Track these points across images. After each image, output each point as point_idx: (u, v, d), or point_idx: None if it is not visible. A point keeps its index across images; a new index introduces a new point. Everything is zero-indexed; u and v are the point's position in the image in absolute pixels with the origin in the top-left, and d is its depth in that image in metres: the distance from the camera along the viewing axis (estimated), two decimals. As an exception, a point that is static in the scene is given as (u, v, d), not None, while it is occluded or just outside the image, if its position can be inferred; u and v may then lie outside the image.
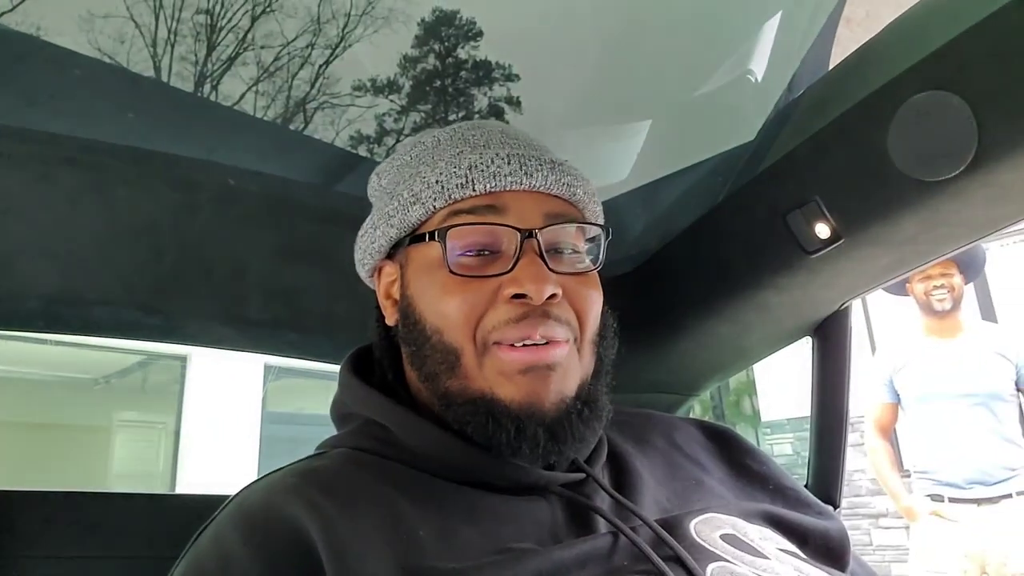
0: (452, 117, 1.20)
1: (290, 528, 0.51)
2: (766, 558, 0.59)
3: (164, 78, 0.97)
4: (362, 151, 1.12)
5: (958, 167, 0.73)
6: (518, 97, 1.15)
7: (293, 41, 1.01)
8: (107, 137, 0.89)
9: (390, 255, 0.69)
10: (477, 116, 1.16)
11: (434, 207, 0.63)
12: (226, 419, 6.22)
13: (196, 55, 0.97)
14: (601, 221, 0.71)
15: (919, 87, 0.75)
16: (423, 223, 0.64)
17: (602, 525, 0.59)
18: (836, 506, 1.09)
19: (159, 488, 6.56)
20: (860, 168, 0.83)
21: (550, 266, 0.60)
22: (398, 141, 1.12)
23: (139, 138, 0.91)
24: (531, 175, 0.63)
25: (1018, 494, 2.38)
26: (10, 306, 0.87)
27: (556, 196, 0.65)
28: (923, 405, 2.54)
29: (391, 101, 1.12)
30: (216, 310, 0.96)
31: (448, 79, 1.16)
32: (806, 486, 1.12)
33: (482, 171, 0.62)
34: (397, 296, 0.67)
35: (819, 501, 0.74)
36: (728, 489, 0.71)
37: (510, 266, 0.59)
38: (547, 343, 0.59)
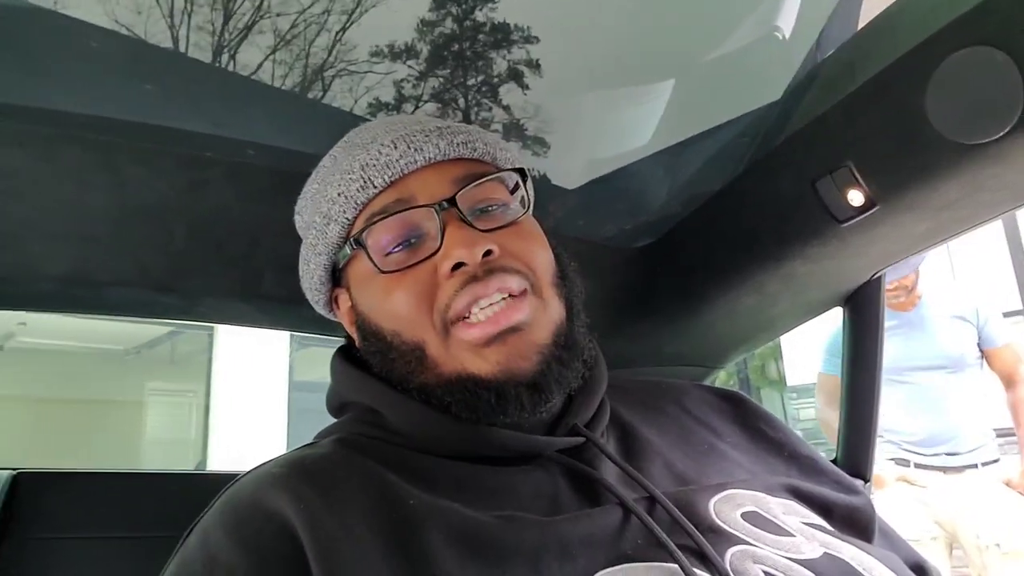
0: (471, 82, 1.17)
1: (276, 523, 0.50)
2: (790, 535, 0.56)
3: (182, 48, 0.95)
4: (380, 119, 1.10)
5: (1002, 129, 0.68)
6: (537, 60, 1.11)
7: (310, 7, 0.98)
8: (115, 113, 0.87)
9: (337, 282, 0.68)
10: (496, 80, 1.13)
11: (347, 219, 0.62)
12: (254, 388, 6.33)
13: (213, 24, 0.95)
14: (516, 164, 0.69)
15: (960, 43, 0.70)
16: (344, 240, 0.63)
17: (610, 497, 0.57)
18: (866, 480, 1.06)
19: (192, 454, 6.73)
20: (896, 131, 0.78)
21: (478, 227, 0.59)
22: (417, 107, 1.09)
23: (148, 113, 0.89)
24: (421, 149, 0.61)
25: (983, 465, 2.34)
26: (23, 288, 0.86)
27: (458, 160, 0.63)
28: (888, 376, 2.45)
29: (409, 67, 1.09)
30: (232, 287, 0.95)
31: (466, 43, 1.12)
32: (835, 460, 1.09)
33: (374, 166, 0.61)
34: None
35: (836, 469, 0.71)
36: (743, 454, 0.68)
37: (438, 243, 0.58)
38: (504, 299, 0.57)
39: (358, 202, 0.61)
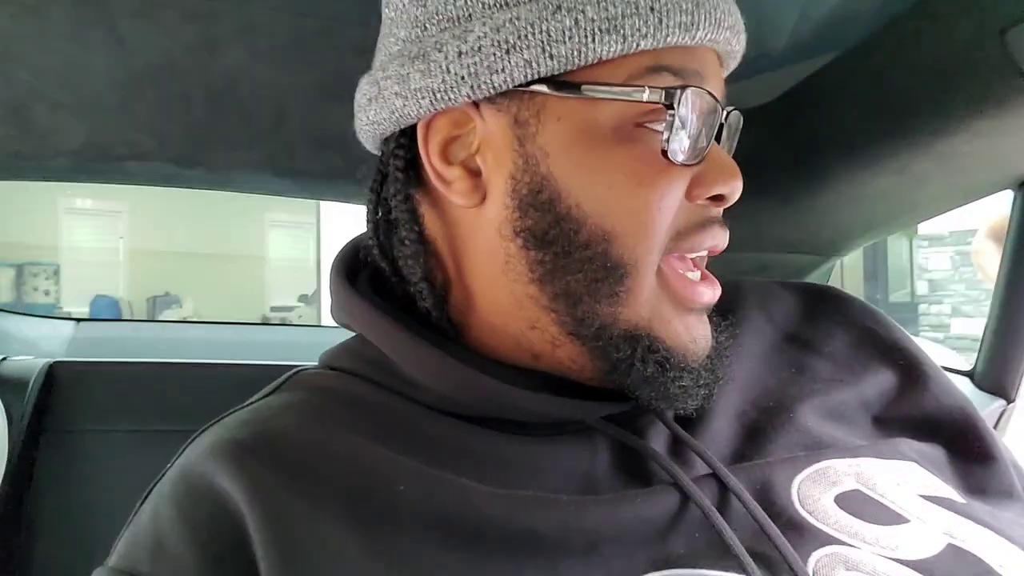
0: None
1: (228, 514, 0.38)
2: (903, 520, 0.43)
3: None
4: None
5: None
6: None
7: None
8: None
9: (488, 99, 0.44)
10: None
11: (635, 46, 0.41)
12: (360, 216, 6.53)
13: None
14: None
15: None
16: (599, 63, 0.41)
17: (662, 475, 0.44)
18: (1010, 400, 0.88)
19: (309, 274, 7.20)
20: None
21: None
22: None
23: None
24: (721, 22, 0.43)
25: None
26: (38, 162, 0.79)
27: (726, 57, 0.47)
28: None
29: None
30: (261, 162, 0.84)
31: None
32: (971, 373, 0.91)
33: (707, 8, 0.42)
34: (489, 165, 0.44)
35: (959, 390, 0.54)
36: (842, 367, 0.53)
37: (700, 157, 0.42)
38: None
39: (668, 37, 0.41)
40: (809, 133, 0.86)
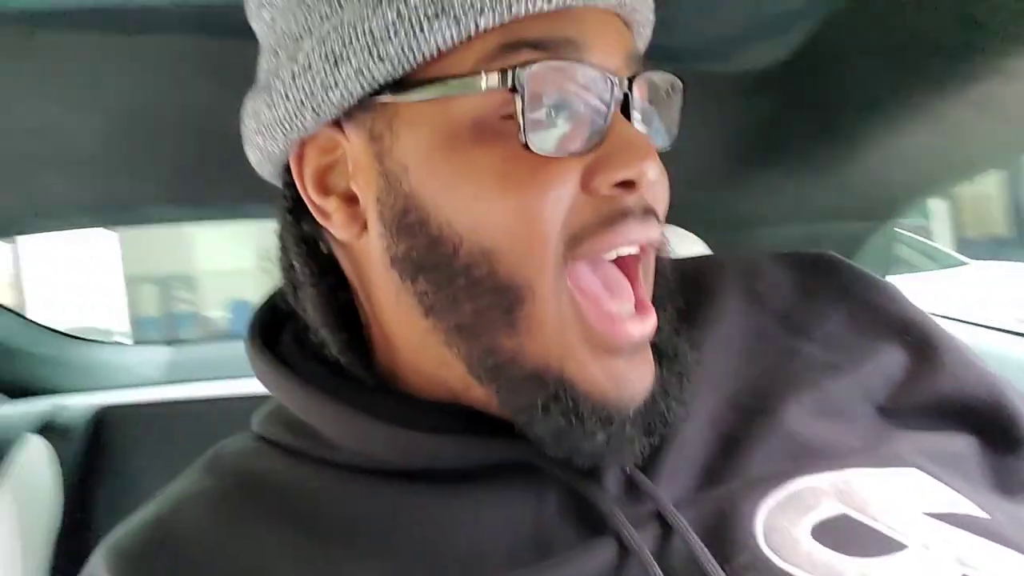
0: None
1: None
2: (898, 547, 0.35)
3: None
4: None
5: None
6: None
7: None
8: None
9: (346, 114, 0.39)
10: None
11: (471, 27, 0.34)
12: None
13: None
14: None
15: None
16: (439, 57, 0.35)
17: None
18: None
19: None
20: None
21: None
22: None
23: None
24: None
25: None
26: (53, 219, 0.84)
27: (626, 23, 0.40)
28: None
29: None
30: (271, 188, 0.85)
31: None
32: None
33: None
34: (361, 190, 0.39)
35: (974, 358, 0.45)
36: (839, 350, 0.45)
37: (599, 137, 0.35)
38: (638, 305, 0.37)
39: (512, 10, 0.34)
40: (832, 90, 0.76)
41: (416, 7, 0.34)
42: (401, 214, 0.37)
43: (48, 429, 0.80)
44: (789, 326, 0.46)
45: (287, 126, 0.39)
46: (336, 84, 0.36)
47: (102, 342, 1.38)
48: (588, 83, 0.35)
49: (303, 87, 0.37)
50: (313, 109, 0.38)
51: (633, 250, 0.37)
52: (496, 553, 0.36)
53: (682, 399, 0.39)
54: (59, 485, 0.77)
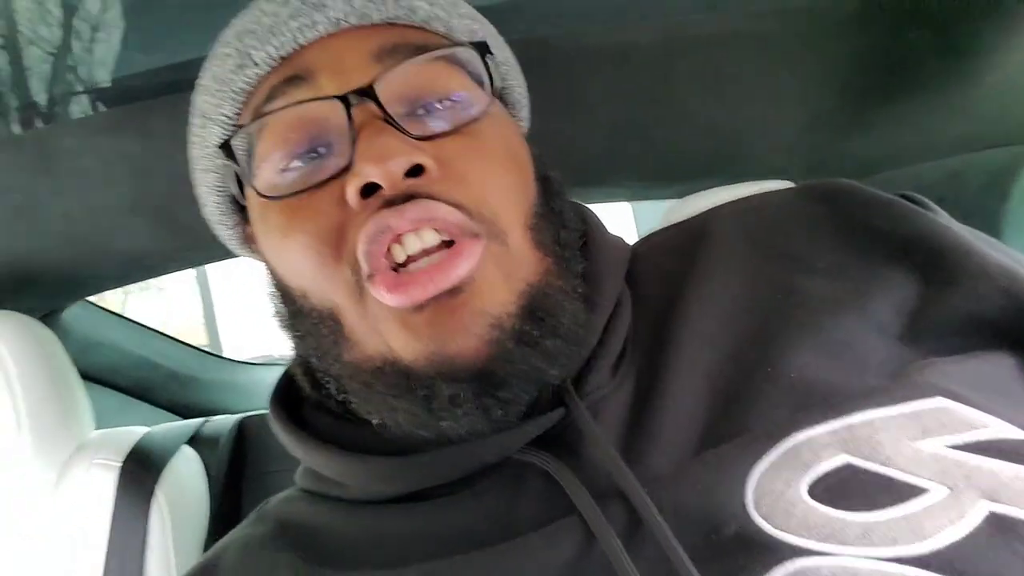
0: None
1: None
2: (915, 492, 0.31)
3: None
4: None
5: None
6: None
7: None
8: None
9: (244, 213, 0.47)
10: None
11: (225, 117, 0.42)
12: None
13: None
14: (477, 35, 0.44)
15: None
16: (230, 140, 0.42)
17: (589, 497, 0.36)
18: None
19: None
20: None
21: (410, 132, 0.38)
22: None
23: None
24: (323, 5, 0.40)
25: None
26: (186, 256, 0.92)
27: (389, 25, 0.41)
28: None
29: None
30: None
31: None
32: None
33: (253, 32, 0.40)
34: None
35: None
36: (841, 282, 0.41)
37: (348, 156, 0.37)
38: (443, 245, 0.37)
39: (236, 89, 0.41)
40: (955, 10, 0.66)
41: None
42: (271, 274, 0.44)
43: (197, 440, 0.90)
44: (790, 263, 0.43)
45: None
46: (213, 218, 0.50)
47: (267, 364, 1.53)
48: (314, 121, 0.39)
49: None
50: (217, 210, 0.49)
51: (419, 239, 0.37)
52: (463, 538, 0.37)
53: (554, 360, 0.38)
54: (205, 490, 0.85)
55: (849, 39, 0.74)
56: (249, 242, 0.50)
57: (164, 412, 1.27)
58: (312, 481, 0.46)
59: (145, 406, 1.26)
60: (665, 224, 0.54)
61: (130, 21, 0.79)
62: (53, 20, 0.77)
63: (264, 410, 1.04)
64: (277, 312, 0.44)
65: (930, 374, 0.35)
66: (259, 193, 0.40)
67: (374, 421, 0.40)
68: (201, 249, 0.93)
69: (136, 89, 0.79)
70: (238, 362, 1.46)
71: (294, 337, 0.44)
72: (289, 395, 0.49)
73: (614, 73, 0.75)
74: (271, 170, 0.40)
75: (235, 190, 0.45)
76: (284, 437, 0.46)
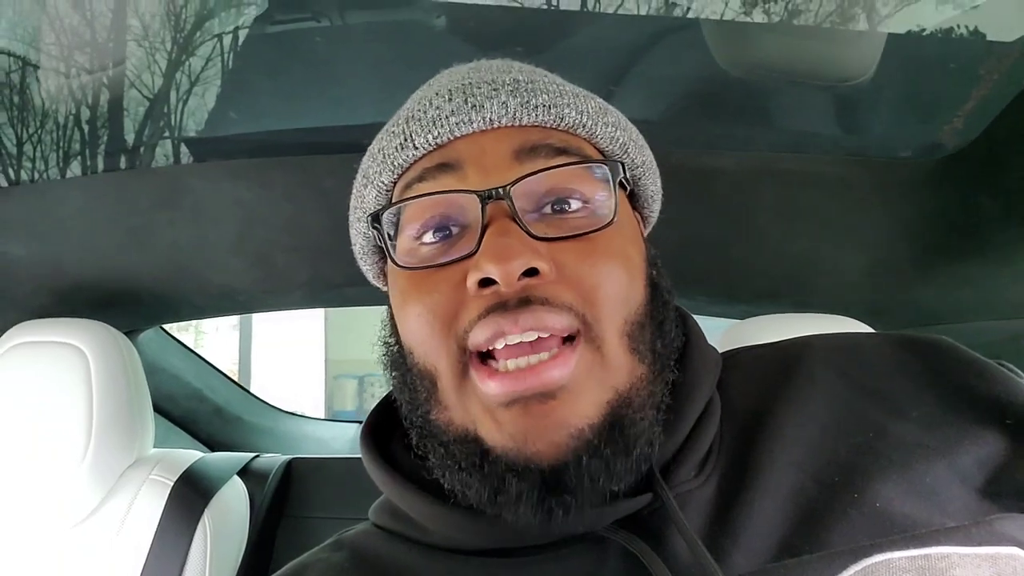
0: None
1: None
2: None
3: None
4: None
5: None
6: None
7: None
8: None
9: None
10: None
11: (383, 184, 0.48)
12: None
13: None
14: (618, 141, 0.48)
15: None
16: (382, 212, 0.48)
17: None
18: None
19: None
20: None
21: (532, 231, 0.41)
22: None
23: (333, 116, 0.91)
24: (481, 106, 0.44)
25: None
26: (279, 297, 0.98)
27: (535, 127, 0.45)
28: None
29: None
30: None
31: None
32: None
33: (419, 120, 0.45)
34: None
35: None
36: (932, 432, 0.42)
37: (476, 244, 0.41)
38: (537, 344, 0.40)
39: (396, 164, 0.47)
40: (1021, 173, 0.71)
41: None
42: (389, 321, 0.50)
43: (246, 473, 0.93)
44: (882, 404, 0.45)
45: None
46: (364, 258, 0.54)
47: (306, 416, 1.57)
48: (428, 205, 0.44)
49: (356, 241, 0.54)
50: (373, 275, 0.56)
51: (521, 337, 0.40)
52: None
53: (620, 479, 0.40)
54: (247, 521, 0.87)
55: (923, 196, 0.79)
56: (384, 279, 0.55)
57: (201, 445, 1.31)
58: (390, 520, 0.49)
59: (186, 437, 1.30)
60: (728, 342, 0.57)
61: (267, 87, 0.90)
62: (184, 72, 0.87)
63: (310, 455, 1.08)
64: (386, 354, 0.49)
65: (1009, 526, 0.36)
66: (395, 263, 0.45)
67: (445, 486, 0.43)
68: (285, 294, 0.99)
69: (267, 145, 0.88)
70: (282, 411, 1.50)
71: (395, 380, 0.48)
72: (377, 431, 0.53)
73: (695, 191, 0.80)
74: (408, 238, 0.45)
75: (379, 243, 0.51)
76: (376, 473, 0.48)
